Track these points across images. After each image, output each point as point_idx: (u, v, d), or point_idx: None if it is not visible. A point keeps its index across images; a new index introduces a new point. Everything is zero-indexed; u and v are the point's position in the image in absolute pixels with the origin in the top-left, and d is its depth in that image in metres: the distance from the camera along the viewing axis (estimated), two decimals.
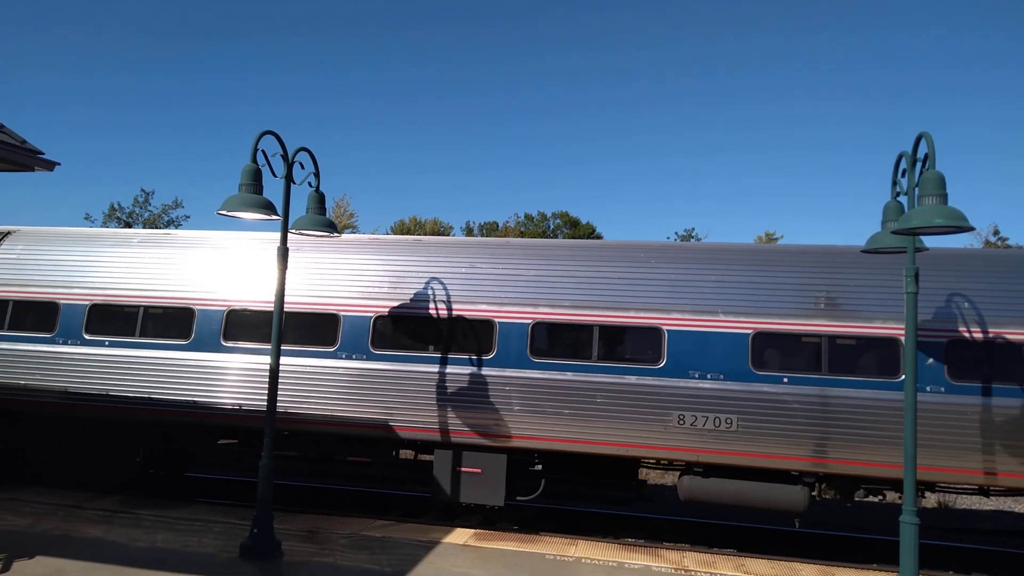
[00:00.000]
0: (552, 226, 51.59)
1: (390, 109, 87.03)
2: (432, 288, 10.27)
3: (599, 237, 46.44)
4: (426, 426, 9.95)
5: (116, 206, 30.62)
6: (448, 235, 45.69)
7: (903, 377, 8.03)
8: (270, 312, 9.10)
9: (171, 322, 10.94)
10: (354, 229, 36.12)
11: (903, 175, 6.87)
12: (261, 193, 7.97)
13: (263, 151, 8.07)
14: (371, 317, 10.30)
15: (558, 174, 78.89)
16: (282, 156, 8.27)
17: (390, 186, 76.86)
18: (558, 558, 8.59)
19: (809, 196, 74.35)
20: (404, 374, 10.05)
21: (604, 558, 8.68)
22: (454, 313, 10.08)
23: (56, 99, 75.30)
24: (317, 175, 8.73)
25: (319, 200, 8.86)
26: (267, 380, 8.56)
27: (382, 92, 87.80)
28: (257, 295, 10.71)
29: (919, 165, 6.58)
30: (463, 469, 9.90)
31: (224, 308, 10.80)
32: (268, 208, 7.96)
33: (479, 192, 77.98)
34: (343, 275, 10.68)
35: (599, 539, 10.07)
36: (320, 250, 10.83)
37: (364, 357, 10.19)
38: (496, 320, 9.92)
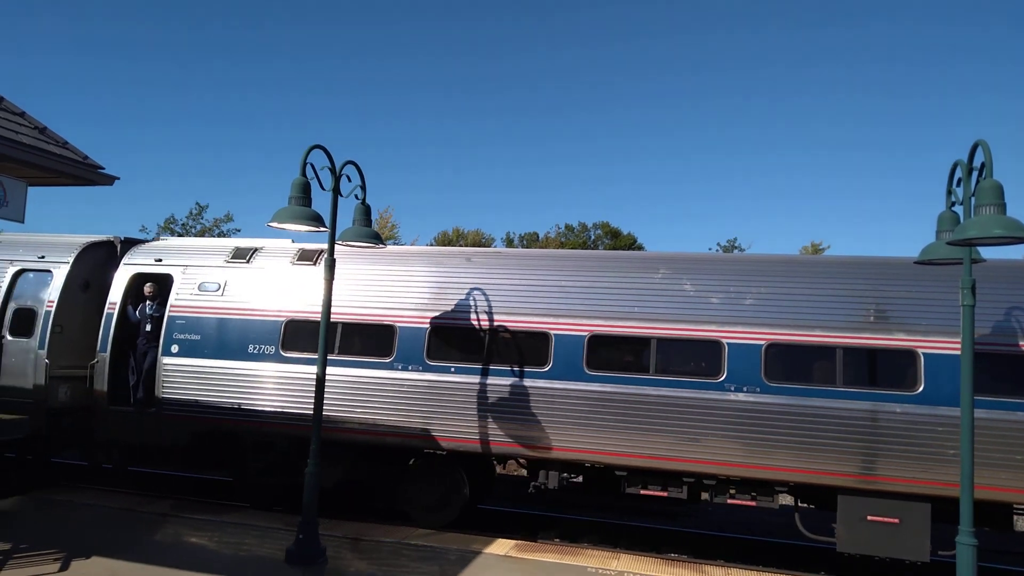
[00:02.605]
0: (593, 236, 51.46)
1: (425, 119, 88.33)
2: (832, 312, 9.15)
3: (641, 248, 46.13)
4: (837, 470, 8.86)
5: (172, 219, 31.94)
6: (490, 246, 45.91)
7: None
8: (636, 338, 9.48)
9: (521, 347, 9.98)
10: (396, 240, 36.56)
11: (958, 184, 6.69)
12: (310, 206, 8.16)
13: (311, 164, 8.27)
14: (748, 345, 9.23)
15: (596, 185, 78.81)
16: (330, 170, 8.46)
17: (424, 196, 77.79)
18: (600, 571, 8.53)
19: (853, 207, 72.72)
20: (803, 410, 8.93)
21: (647, 572, 8.60)
22: (859, 342, 8.93)
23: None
24: (364, 188, 8.91)
25: (366, 212, 9.04)
26: (654, 415, 9.29)
27: (418, 105, 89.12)
28: (621, 317, 9.68)
29: (975, 174, 6.40)
30: (876, 518, 8.79)
31: (586, 334, 9.73)
32: (317, 220, 8.14)
33: (515, 203, 78.30)
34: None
35: (642, 553, 9.95)
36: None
37: (758, 390, 9.14)
38: (920, 351, 8.66)
